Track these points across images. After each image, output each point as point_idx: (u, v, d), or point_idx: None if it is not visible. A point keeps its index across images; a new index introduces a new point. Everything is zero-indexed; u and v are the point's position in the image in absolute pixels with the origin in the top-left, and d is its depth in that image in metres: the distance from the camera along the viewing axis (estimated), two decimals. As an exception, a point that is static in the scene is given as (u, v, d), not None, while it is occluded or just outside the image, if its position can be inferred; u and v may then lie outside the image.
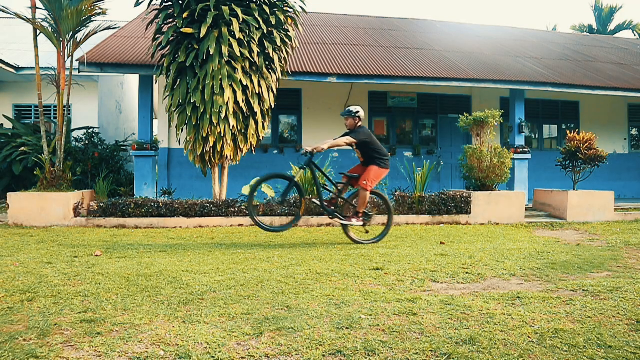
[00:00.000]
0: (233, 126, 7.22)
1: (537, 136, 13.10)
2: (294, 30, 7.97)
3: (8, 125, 10.95)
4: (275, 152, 11.17)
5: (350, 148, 5.76)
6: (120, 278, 3.74)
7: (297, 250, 5.24)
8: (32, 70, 10.10)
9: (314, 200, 5.72)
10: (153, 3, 7.76)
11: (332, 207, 5.66)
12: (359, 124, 5.77)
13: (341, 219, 5.63)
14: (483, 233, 6.89)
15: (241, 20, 6.94)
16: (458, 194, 8.18)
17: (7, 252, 4.88)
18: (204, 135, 7.18)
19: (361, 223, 5.71)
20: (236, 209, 7.52)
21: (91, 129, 11.17)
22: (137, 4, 7.69)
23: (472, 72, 10.21)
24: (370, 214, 5.85)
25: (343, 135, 5.83)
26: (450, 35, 14.21)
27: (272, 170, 10.68)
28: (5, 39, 13.19)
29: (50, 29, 7.93)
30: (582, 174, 8.77)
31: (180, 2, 7.22)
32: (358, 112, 5.70)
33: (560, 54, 13.71)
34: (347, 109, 5.77)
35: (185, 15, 7.01)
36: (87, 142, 10.89)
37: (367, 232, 5.90)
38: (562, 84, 10.36)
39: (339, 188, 5.77)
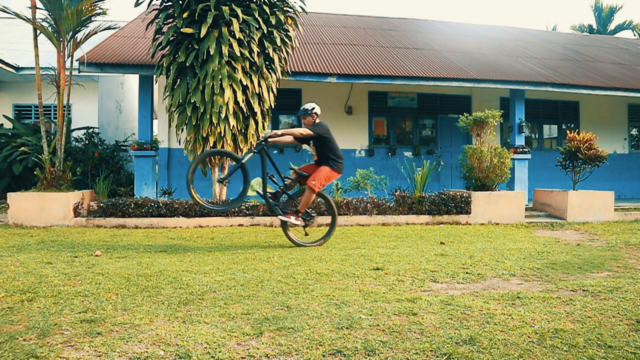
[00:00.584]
0: (233, 126, 7.22)
1: (537, 136, 13.10)
2: (294, 30, 7.97)
3: (8, 125, 10.95)
4: (276, 152, 11.17)
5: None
6: (120, 278, 3.73)
7: (297, 250, 5.24)
8: (32, 70, 10.11)
9: (258, 190, 5.47)
10: (153, 3, 7.76)
11: (274, 200, 5.40)
12: (317, 121, 5.53)
13: (280, 215, 5.34)
14: (483, 233, 6.89)
15: (241, 20, 6.94)
16: (458, 194, 8.18)
17: (7, 252, 4.88)
18: (204, 135, 7.18)
19: (300, 223, 5.42)
20: (236, 209, 7.52)
21: (91, 129, 11.17)
22: (137, 4, 7.69)
23: (472, 72, 10.21)
24: (313, 215, 5.59)
25: None
26: (450, 35, 14.21)
27: (272, 170, 10.68)
28: (5, 39, 13.19)
29: (50, 29, 7.93)
30: (582, 174, 8.77)
31: (180, 2, 7.22)
32: (314, 108, 5.50)
33: (560, 54, 13.71)
34: (302, 107, 5.56)
35: (185, 15, 7.01)
36: (87, 142, 10.89)
37: (306, 234, 5.61)
38: (562, 84, 10.36)
39: (286, 183, 5.53)
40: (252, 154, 5.35)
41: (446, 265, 4.38)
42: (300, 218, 5.44)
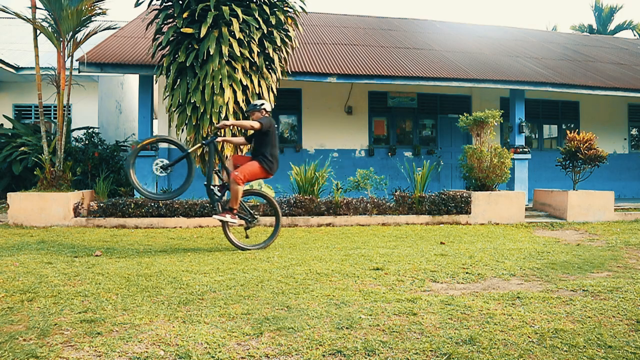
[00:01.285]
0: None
1: (537, 136, 13.10)
2: (294, 30, 7.97)
3: (8, 125, 10.95)
4: (275, 152, 11.17)
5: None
6: (120, 278, 3.73)
7: (297, 250, 5.24)
8: (32, 70, 10.10)
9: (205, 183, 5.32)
10: (153, 3, 7.76)
11: (219, 195, 5.26)
12: (266, 115, 5.44)
13: (217, 212, 5.17)
14: (483, 233, 6.89)
15: (241, 20, 6.94)
16: (458, 194, 8.18)
17: (7, 252, 4.88)
18: (204, 135, 7.18)
19: (236, 221, 5.20)
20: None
21: (91, 129, 11.16)
22: (137, 4, 7.69)
23: (472, 72, 10.21)
24: (256, 216, 5.45)
25: None
26: (450, 35, 14.21)
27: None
28: (5, 39, 13.19)
29: (50, 29, 7.93)
30: (582, 174, 8.77)
31: (180, 2, 7.22)
32: (262, 104, 5.42)
33: (560, 54, 13.71)
34: (251, 103, 5.53)
35: (185, 15, 7.01)
36: (87, 142, 10.88)
37: (247, 236, 5.45)
38: (562, 84, 10.36)
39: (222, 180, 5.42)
40: (199, 145, 5.32)
41: (446, 265, 4.38)
42: (237, 217, 5.23)
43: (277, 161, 5.34)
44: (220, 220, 5.19)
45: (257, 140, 5.31)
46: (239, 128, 5.22)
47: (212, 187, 5.25)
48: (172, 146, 10.49)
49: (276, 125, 5.41)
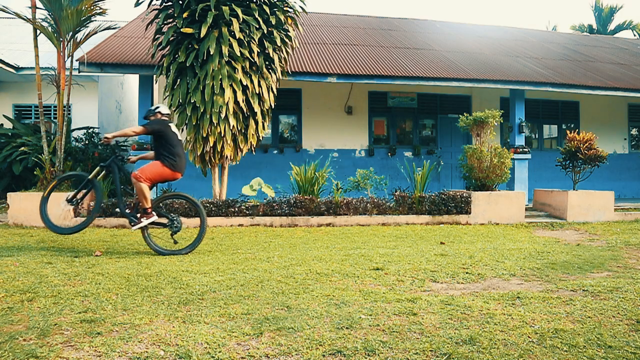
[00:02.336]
0: (233, 126, 7.22)
1: (537, 136, 13.10)
2: (294, 30, 7.97)
3: (8, 125, 10.95)
4: (275, 152, 11.17)
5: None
6: (120, 278, 3.73)
7: (297, 250, 5.24)
8: (32, 70, 10.10)
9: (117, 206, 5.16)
10: (153, 3, 7.76)
11: (131, 212, 5.13)
12: (159, 118, 5.37)
13: (135, 224, 5.01)
14: (483, 233, 6.89)
15: (241, 20, 6.94)
16: (458, 194, 8.18)
17: (7, 252, 4.88)
18: (204, 135, 7.18)
19: (146, 220, 5.01)
20: (236, 209, 7.52)
21: (91, 129, 11.16)
22: (137, 4, 7.69)
23: (472, 72, 10.21)
24: (174, 218, 5.17)
25: None
26: (450, 35, 14.21)
27: (272, 170, 10.70)
28: (5, 39, 13.19)
29: (50, 29, 7.93)
30: (582, 174, 8.77)
31: (180, 2, 7.22)
32: (157, 108, 5.38)
33: (560, 54, 13.71)
34: (148, 108, 5.52)
35: (185, 15, 7.01)
36: (87, 142, 10.87)
37: (175, 242, 5.14)
38: (562, 84, 10.36)
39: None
40: (99, 168, 5.20)
41: (446, 265, 4.38)
42: (152, 215, 5.06)
43: (182, 158, 5.22)
44: (140, 228, 5.03)
45: (156, 143, 5.25)
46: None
47: (121, 205, 5.17)
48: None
49: (174, 124, 5.41)
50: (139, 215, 5.06)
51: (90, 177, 5.12)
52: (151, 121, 5.27)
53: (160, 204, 5.45)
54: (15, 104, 11.83)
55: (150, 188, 5.11)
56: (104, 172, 5.21)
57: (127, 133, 5.16)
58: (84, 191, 5.19)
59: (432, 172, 8.67)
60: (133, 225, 5.03)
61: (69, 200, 5.21)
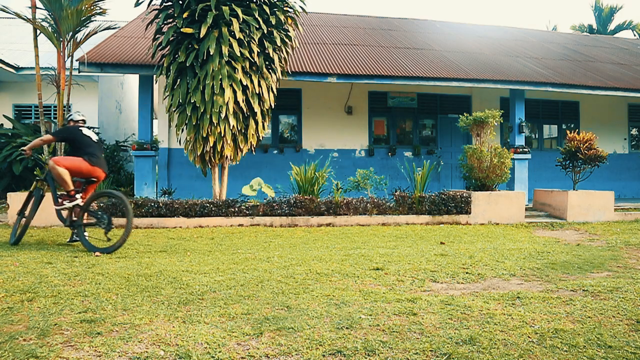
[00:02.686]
0: (233, 126, 7.22)
1: (537, 136, 13.10)
2: (294, 30, 7.97)
3: (8, 125, 10.95)
4: (275, 152, 11.17)
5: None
6: (120, 278, 3.73)
7: (297, 250, 5.24)
8: (32, 70, 10.11)
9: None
10: (153, 3, 7.76)
11: (62, 215, 5.37)
12: (67, 126, 5.72)
13: (56, 204, 5.30)
14: (483, 233, 6.89)
15: (241, 20, 6.94)
16: (458, 194, 8.18)
17: (7, 252, 4.88)
18: (204, 135, 7.18)
19: (77, 202, 5.21)
20: (236, 209, 7.52)
21: (91, 129, 11.17)
22: (137, 4, 7.69)
23: (472, 72, 10.21)
24: (99, 214, 5.20)
25: None
26: (450, 35, 14.21)
27: (272, 170, 10.71)
28: (5, 39, 13.19)
29: (50, 29, 7.94)
30: (582, 174, 8.77)
31: (180, 2, 7.22)
32: (70, 116, 5.72)
33: (560, 54, 13.71)
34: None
35: (185, 15, 7.01)
36: (87, 142, 10.87)
37: (108, 239, 5.11)
38: (562, 84, 10.36)
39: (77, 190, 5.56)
40: (36, 182, 5.66)
41: (446, 265, 4.38)
42: (74, 199, 5.24)
43: (95, 156, 5.46)
44: (65, 209, 5.28)
45: (71, 149, 5.56)
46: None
47: (56, 208, 5.39)
48: (173, 146, 10.49)
49: (89, 129, 5.77)
50: (60, 200, 5.35)
51: (31, 189, 5.66)
52: (59, 129, 5.69)
53: (94, 203, 5.67)
54: (15, 104, 11.84)
55: (75, 185, 5.40)
56: (40, 182, 5.66)
57: (37, 143, 5.51)
58: (27, 202, 5.64)
59: (432, 172, 8.67)
60: (56, 206, 5.33)
61: (19, 214, 5.63)
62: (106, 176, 5.89)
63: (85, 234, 5.21)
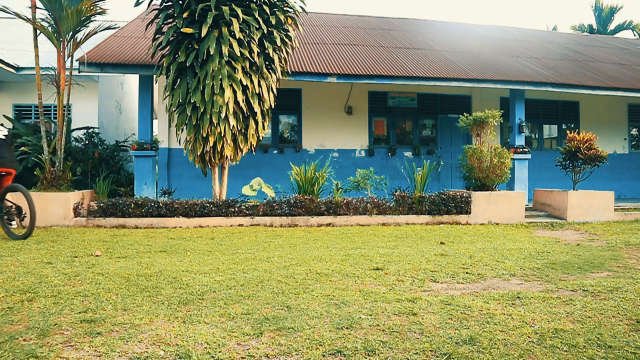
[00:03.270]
0: (233, 126, 7.22)
1: (537, 136, 13.10)
2: (294, 30, 7.97)
3: (8, 125, 10.93)
4: (275, 152, 11.17)
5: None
6: (120, 278, 3.73)
7: (297, 250, 5.24)
8: (32, 70, 10.10)
9: None
10: (153, 3, 7.76)
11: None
12: None
13: None
14: (483, 233, 6.89)
15: (241, 20, 6.94)
16: (458, 194, 8.18)
17: (7, 252, 4.88)
18: (204, 135, 7.18)
19: None
20: (236, 209, 7.52)
21: (91, 129, 11.16)
22: (137, 4, 7.69)
23: (472, 72, 10.21)
24: (3, 207, 6.00)
25: None
26: (450, 35, 14.20)
27: (272, 170, 10.71)
28: (5, 39, 13.19)
29: (50, 28, 7.93)
30: (582, 174, 8.77)
31: (180, 2, 7.23)
32: None
33: (560, 54, 13.71)
34: None
35: (185, 15, 7.01)
36: (87, 142, 10.88)
37: (24, 227, 5.97)
38: (562, 84, 10.36)
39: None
40: None
41: (446, 265, 4.38)
42: None
43: (6, 158, 6.09)
44: None
45: None
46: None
47: None
48: (173, 146, 10.50)
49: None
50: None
51: None
52: None
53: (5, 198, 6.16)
54: (15, 104, 11.83)
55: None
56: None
57: None
58: None
59: (432, 172, 8.67)
60: None
61: None
62: (16, 171, 6.39)
63: (13, 224, 5.96)
